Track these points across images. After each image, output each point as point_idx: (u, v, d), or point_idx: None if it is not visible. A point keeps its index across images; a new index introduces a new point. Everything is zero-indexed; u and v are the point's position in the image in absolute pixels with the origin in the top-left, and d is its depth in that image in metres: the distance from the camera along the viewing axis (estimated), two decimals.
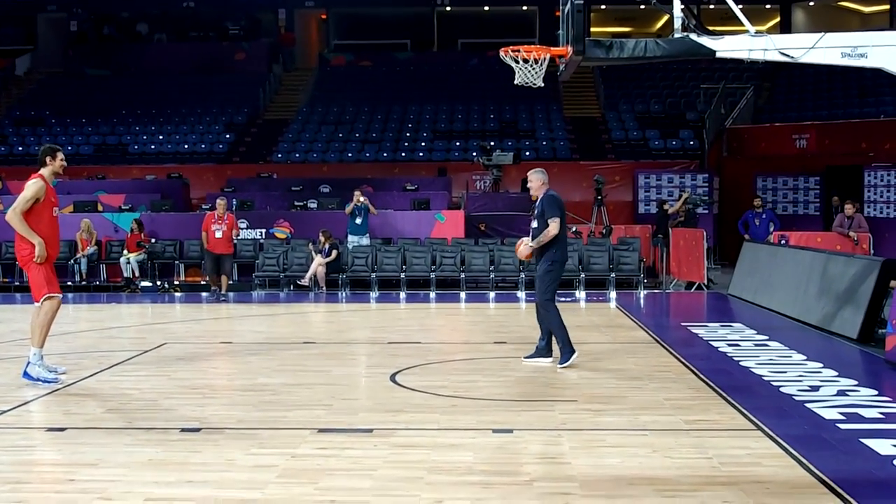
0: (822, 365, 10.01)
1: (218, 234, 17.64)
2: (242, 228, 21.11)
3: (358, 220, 20.20)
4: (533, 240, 10.19)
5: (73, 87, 36.59)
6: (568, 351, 10.04)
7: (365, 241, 20.24)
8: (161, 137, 31.51)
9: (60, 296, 9.38)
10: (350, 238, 20.19)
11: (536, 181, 10.34)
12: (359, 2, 38.60)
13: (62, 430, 7.48)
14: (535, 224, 10.24)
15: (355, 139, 30.95)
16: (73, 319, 15.15)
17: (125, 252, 20.50)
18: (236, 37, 38.95)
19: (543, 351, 10.28)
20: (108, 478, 6.12)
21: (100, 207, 22.66)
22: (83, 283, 20.43)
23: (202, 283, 17.59)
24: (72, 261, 20.39)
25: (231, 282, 18.54)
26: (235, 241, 18.79)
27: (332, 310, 17.00)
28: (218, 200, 18.32)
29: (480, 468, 6.31)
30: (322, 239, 19.37)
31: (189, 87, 35.26)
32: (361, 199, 20.17)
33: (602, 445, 6.85)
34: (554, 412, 7.94)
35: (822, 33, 11.42)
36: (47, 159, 9.48)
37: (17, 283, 19.75)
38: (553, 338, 10.22)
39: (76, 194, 23.64)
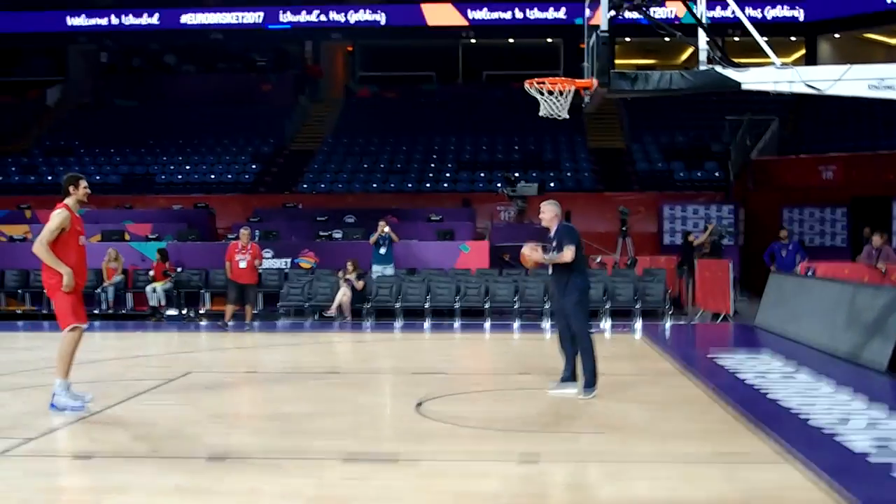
0: (850, 397, 9.91)
1: (242, 264, 17.59)
2: (267, 258, 21.20)
3: (382, 250, 20.24)
4: (551, 272, 10.31)
5: (102, 117, 37.02)
6: (594, 384, 10.02)
7: (389, 270, 20.27)
8: (188, 167, 31.78)
9: (85, 325, 9.38)
10: (374, 268, 20.23)
11: (549, 212, 10.44)
12: (384, 34, 38.90)
13: (89, 457, 7.50)
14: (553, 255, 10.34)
15: (380, 170, 31.10)
16: (100, 347, 15.22)
17: (152, 280, 20.61)
18: (263, 68, 39.36)
19: (568, 380, 10.22)
20: None
21: (127, 237, 22.84)
22: (110, 311, 20.56)
23: (238, 311, 17.63)
24: (98, 289, 20.53)
25: (255, 311, 18.58)
26: (260, 271, 18.84)
27: (356, 339, 17.01)
28: (242, 230, 18.33)
29: (507, 498, 6.27)
30: (350, 268, 19.41)
31: (216, 118, 35.59)
32: (386, 229, 20.23)
33: (630, 477, 6.79)
34: (581, 442, 7.90)
35: (849, 65, 11.40)
36: (71, 188, 9.52)
37: (44, 312, 19.88)
38: (577, 367, 10.19)
39: (104, 223, 23.84)
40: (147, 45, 40.67)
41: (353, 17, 38.19)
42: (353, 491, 6.44)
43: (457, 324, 18.95)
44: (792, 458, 7.23)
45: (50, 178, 31.21)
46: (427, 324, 18.92)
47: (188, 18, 38.48)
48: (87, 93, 39.59)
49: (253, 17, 38.35)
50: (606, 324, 18.45)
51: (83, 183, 9.63)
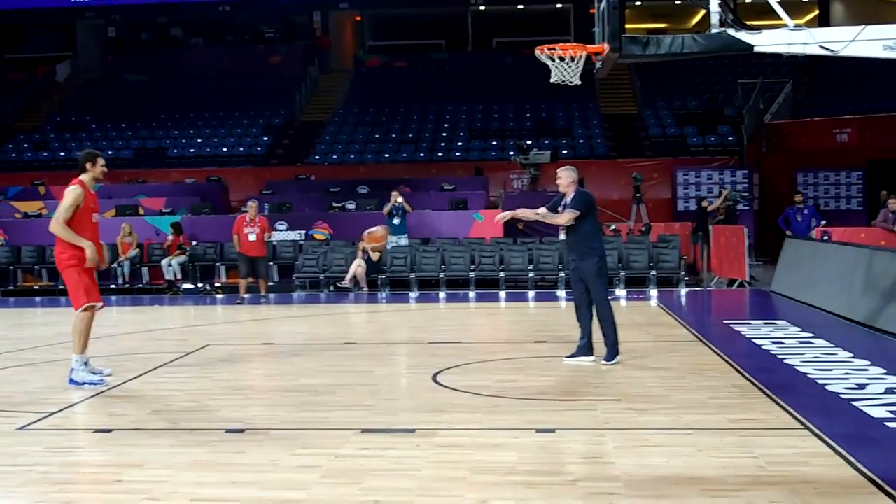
0: (868, 362, 9.87)
1: (252, 237, 17.60)
2: (281, 230, 21.26)
3: (396, 221, 20.24)
4: (567, 237, 10.39)
5: (112, 92, 36.99)
6: (616, 351, 10.09)
7: (403, 240, 20.28)
8: (199, 141, 31.77)
9: (99, 305, 9.41)
10: (389, 238, 20.22)
11: (566, 178, 10.37)
12: (393, 3, 38.69)
13: (108, 431, 7.55)
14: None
15: (392, 140, 31.02)
16: (117, 322, 15.31)
17: (167, 255, 20.67)
18: (272, 40, 39.19)
19: (584, 350, 10.23)
20: (154, 479, 6.17)
21: (141, 211, 22.91)
22: (126, 285, 20.66)
23: (251, 283, 17.67)
24: (114, 264, 20.60)
25: (271, 283, 18.61)
26: (274, 243, 18.83)
27: (372, 310, 17.05)
28: (249, 203, 18.28)
29: (524, 468, 6.29)
30: (366, 238, 19.41)
31: (226, 91, 35.52)
32: (399, 199, 20.21)
33: (646, 445, 6.80)
34: (597, 411, 7.91)
35: (863, 26, 11.27)
36: (87, 165, 9.51)
37: (61, 287, 19.93)
38: (593, 336, 10.21)
39: (117, 198, 23.90)
40: (155, 19, 40.55)
41: None
42: (371, 462, 6.46)
43: (472, 293, 18.96)
44: (810, 425, 7.23)
45: (62, 154, 31.26)
46: (442, 294, 18.93)
47: None
48: (96, 68, 39.55)
49: None
50: (621, 291, 18.43)
51: (101, 161, 9.61)
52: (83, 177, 9.48)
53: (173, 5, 39.00)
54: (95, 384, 9.27)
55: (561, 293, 18.50)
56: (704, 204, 21.09)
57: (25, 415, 8.10)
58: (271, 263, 20.72)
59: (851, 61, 28.49)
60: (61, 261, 9.32)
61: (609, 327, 10.14)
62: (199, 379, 9.82)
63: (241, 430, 7.45)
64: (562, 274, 19.05)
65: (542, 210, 10.39)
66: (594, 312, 10.21)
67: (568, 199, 10.30)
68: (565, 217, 10.11)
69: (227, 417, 7.96)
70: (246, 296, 17.54)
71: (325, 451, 6.78)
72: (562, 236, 10.53)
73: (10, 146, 32.13)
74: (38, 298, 20.20)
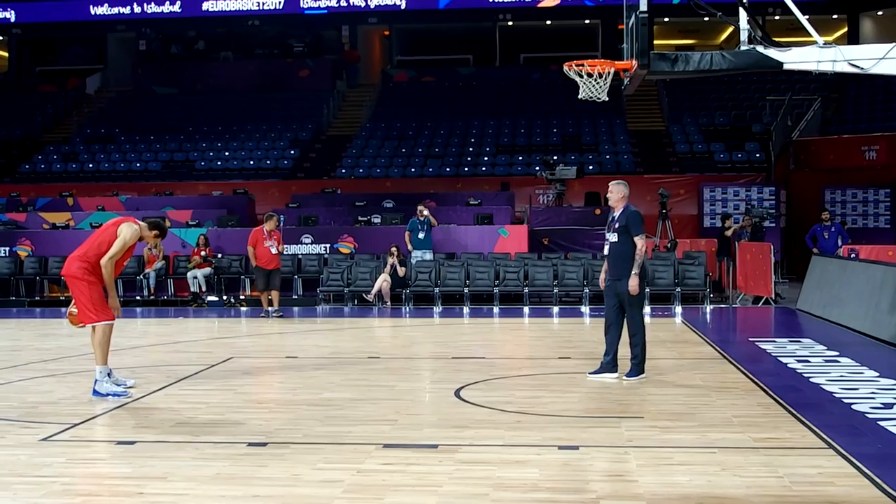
0: (895, 381, 9.77)
1: (273, 250, 17.56)
2: (306, 243, 21.35)
3: (421, 235, 20.24)
4: (610, 254, 10.23)
5: (141, 104, 37.34)
6: (641, 370, 10.08)
7: (428, 255, 20.27)
8: (227, 154, 31.97)
9: (112, 322, 9.45)
10: (414, 253, 20.24)
11: (618, 192, 10.25)
12: (421, 18, 38.82)
13: (131, 443, 7.58)
14: (613, 238, 10.18)
15: (418, 154, 31.09)
16: (142, 333, 15.39)
17: (191, 265, 20.75)
18: (300, 54, 39.42)
19: (609, 366, 10.19)
20: (177, 491, 6.19)
21: (167, 223, 23.01)
22: (151, 297, 20.77)
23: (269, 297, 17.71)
24: (140, 276, 20.72)
25: (290, 296, 18.56)
26: (300, 256, 18.83)
27: (396, 324, 17.05)
28: (268, 215, 18.26)
29: (546, 485, 6.25)
30: (395, 253, 19.42)
31: (254, 104, 35.76)
32: (425, 212, 20.24)
33: (670, 463, 6.75)
34: (620, 429, 7.86)
35: (893, 44, 11.22)
36: (152, 226, 9.76)
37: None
38: (618, 353, 10.16)
39: (144, 210, 24.04)
40: (185, 33, 40.90)
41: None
42: (393, 478, 6.45)
43: (496, 309, 18.93)
44: (835, 444, 7.16)
45: (91, 166, 31.55)
46: (466, 309, 18.92)
47: (209, 6, 38.74)
48: (126, 81, 39.93)
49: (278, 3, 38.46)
50: (646, 308, 18.33)
51: (157, 234, 9.90)
52: (143, 225, 9.58)
53: (203, 19, 39.33)
54: (119, 395, 9.31)
55: (585, 309, 18.43)
56: (728, 226, 20.88)
57: (49, 426, 8.14)
58: (296, 276, 20.78)
59: (881, 79, 28.30)
60: (74, 270, 9.34)
61: (641, 345, 10.10)
62: (223, 392, 9.84)
63: (264, 444, 7.46)
64: (586, 290, 19.00)
65: (637, 261, 10.02)
66: (623, 331, 10.16)
67: (616, 214, 10.21)
68: (642, 248, 10.00)
69: (249, 431, 7.97)
70: (270, 308, 17.57)
71: (348, 465, 6.77)
72: (605, 250, 10.38)
73: (40, 157, 32.45)
74: (63, 309, 20.30)
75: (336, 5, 38.30)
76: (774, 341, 13.25)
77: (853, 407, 8.58)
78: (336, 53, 39.64)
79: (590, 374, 10.26)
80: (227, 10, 38.69)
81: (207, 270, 20.66)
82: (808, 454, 6.97)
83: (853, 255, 18.02)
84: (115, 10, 39.10)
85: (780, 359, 11.59)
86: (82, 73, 40.18)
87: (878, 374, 10.26)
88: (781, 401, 8.86)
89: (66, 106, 37.77)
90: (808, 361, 11.31)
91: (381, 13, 38.68)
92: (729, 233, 20.50)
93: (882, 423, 7.87)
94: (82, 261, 9.33)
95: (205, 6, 38.82)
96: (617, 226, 10.14)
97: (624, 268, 10.02)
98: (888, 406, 8.57)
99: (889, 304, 13.29)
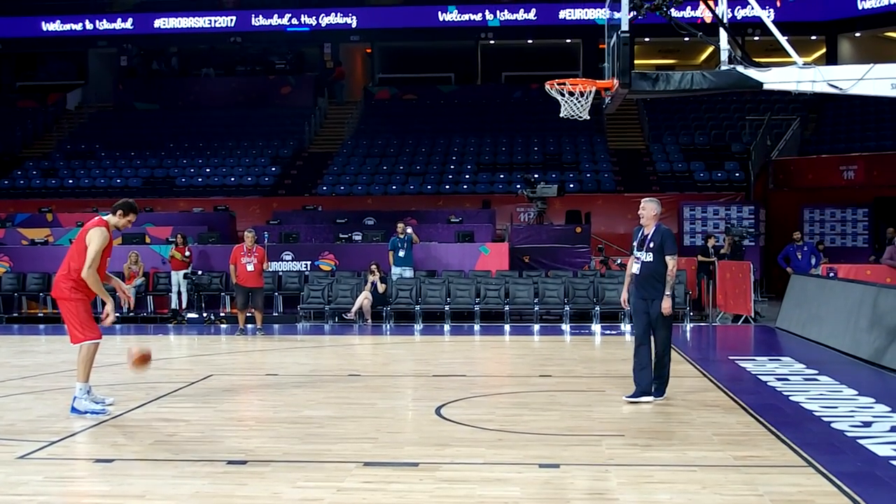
0: (874, 400, 9.82)
1: (249, 267, 17.26)
2: (287, 260, 21.26)
3: (401, 253, 20.22)
4: (641, 273, 9.90)
5: (122, 121, 37.26)
6: (664, 391, 9.95)
7: (409, 272, 20.25)
8: (208, 170, 31.91)
9: (98, 340, 9.35)
10: (394, 270, 20.22)
11: (651, 210, 9.92)
12: (403, 36, 38.93)
13: (110, 461, 7.52)
14: (647, 257, 9.84)
15: (400, 171, 31.12)
16: (121, 350, 15.25)
17: (170, 255, 20.81)
18: (282, 71, 39.45)
19: (648, 390, 9.88)
20: None
21: (147, 240, 22.93)
22: (130, 314, 20.63)
23: (248, 314, 17.59)
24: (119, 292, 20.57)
25: (270, 314, 18.48)
26: (280, 273, 18.75)
27: (376, 342, 17.01)
28: (246, 233, 17.99)
29: (527, 503, 6.24)
30: (375, 270, 19.38)
31: (236, 121, 35.72)
32: (409, 230, 20.23)
33: (650, 481, 6.76)
34: (601, 447, 7.86)
35: (871, 65, 11.33)
36: (120, 212, 9.48)
37: None
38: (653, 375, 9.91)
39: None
40: (167, 49, 40.85)
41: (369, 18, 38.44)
42: (374, 496, 6.43)
43: (476, 326, 18.92)
44: (815, 462, 7.18)
45: (71, 181, 31.42)
46: (447, 326, 18.90)
47: (161, 23, 39.15)
48: (107, 97, 39.84)
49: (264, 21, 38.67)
50: (627, 326, 18.38)
51: (133, 217, 9.59)
52: (109, 219, 9.46)
53: (185, 35, 39.38)
54: (97, 413, 9.24)
55: (566, 327, 18.45)
56: (710, 243, 20.90)
57: (26, 443, 8.07)
58: (277, 293, 20.71)
59: (859, 99, 28.58)
60: (62, 290, 9.28)
61: (667, 368, 9.95)
62: (202, 409, 9.79)
63: (244, 462, 7.42)
64: (567, 308, 19.03)
65: (669, 281, 9.77)
66: (653, 352, 9.91)
67: (648, 232, 9.91)
68: (673, 268, 9.78)
69: (229, 448, 7.92)
70: (248, 326, 17.46)
71: (328, 483, 6.75)
72: (634, 269, 10.14)
73: (19, 173, 32.29)
74: (41, 326, 20.19)
75: (315, 23, 38.48)
76: (754, 359, 13.29)
77: (832, 425, 8.62)
78: (318, 70, 39.68)
79: (627, 397, 9.92)
80: (179, 27, 39.00)
81: (188, 271, 20.65)
82: (787, 472, 6.99)
83: (832, 275, 18.13)
84: (67, 26, 39.27)
85: (760, 377, 11.62)
86: (63, 88, 40.06)
87: (857, 393, 10.31)
88: (761, 419, 8.88)
89: (46, 121, 37.63)
90: (788, 380, 11.35)
91: (364, 31, 38.84)
92: (704, 260, 20.48)
93: (861, 442, 7.90)
94: (67, 279, 9.25)
95: (157, 23, 39.06)
96: (652, 245, 9.82)
97: (658, 288, 9.77)
98: (867, 424, 8.61)
99: (868, 323, 13.37)
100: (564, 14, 37.63)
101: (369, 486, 6.68)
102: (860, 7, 35.05)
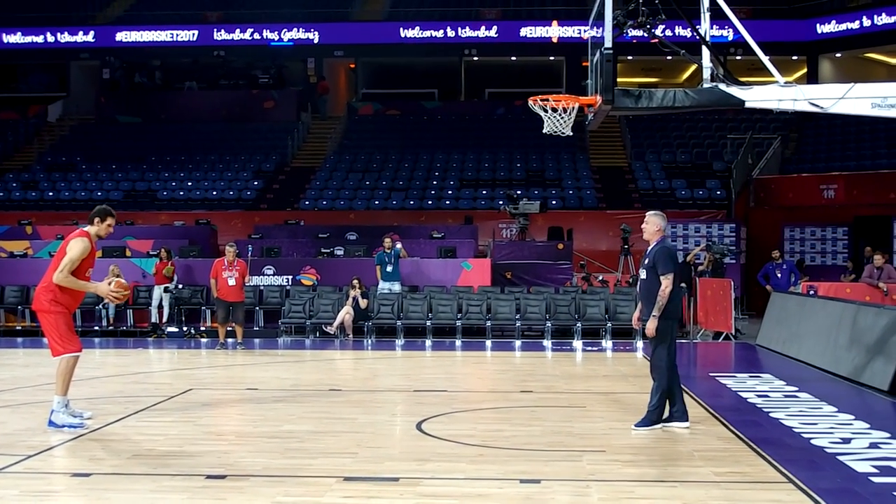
0: (853, 417, 9.86)
1: (231, 282, 17.14)
2: (269, 275, 21.20)
3: (389, 268, 20.17)
4: (639, 291, 9.61)
5: (104, 133, 37.10)
6: (654, 420, 9.29)
7: (396, 287, 20.19)
8: (190, 184, 31.80)
9: (79, 353, 9.29)
10: (382, 285, 20.15)
11: (653, 225, 9.46)
12: (387, 52, 39.00)
13: (87, 475, 7.46)
14: (643, 275, 9.47)
15: (382, 187, 31.11)
16: (100, 364, 15.19)
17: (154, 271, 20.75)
18: (266, 85, 39.41)
19: (679, 415, 9.40)
20: None
21: (128, 253, 22.81)
22: (110, 327, 20.52)
23: (229, 329, 17.49)
24: (99, 305, 20.48)
25: (251, 328, 18.38)
26: (262, 288, 18.67)
27: (358, 357, 16.96)
28: (227, 247, 17.90)
29: None
30: (356, 285, 19.33)
31: (218, 135, 35.65)
32: (398, 245, 20.24)
33: (631, 497, 6.75)
34: (582, 462, 7.86)
35: (852, 84, 11.40)
36: (97, 220, 9.47)
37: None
38: (664, 399, 9.37)
39: (105, 240, 23.73)
40: (149, 62, 40.75)
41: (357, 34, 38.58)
42: None
43: (458, 342, 18.90)
44: (794, 479, 7.20)
45: (51, 194, 31.25)
46: (428, 342, 18.87)
47: (122, 36, 39.29)
48: (89, 109, 39.66)
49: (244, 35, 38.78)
50: (608, 343, 18.40)
51: (111, 220, 9.58)
52: (90, 229, 9.44)
53: (168, 49, 39.33)
54: (75, 427, 9.17)
55: (547, 343, 18.45)
56: (690, 259, 21.01)
57: (2, 457, 7.99)
58: (258, 308, 20.63)
59: (839, 118, 28.83)
60: (41, 303, 9.21)
61: (658, 396, 9.31)
62: (181, 423, 9.72)
63: (223, 476, 7.37)
64: (548, 324, 19.03)
65: (658, 302, 9.11)
66: (677, 372, 9.50)
67: (649, 249, 9.51)
68: (665, 289, 9.09)
69: (208, 463, 7.87)
70: (230, 340, 17.38)
71: (308, 498, 6.71)
72: (639, 286, 9.81)
73: None
74: (19, 339, 20.01)
75: (299, 38, 38.56)
76: (735, 376, 13.32)
77: (812, 441, 8.64)
78: (301, 85, 39.68)
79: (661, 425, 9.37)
80: (141, 41, 39.06)
81: (170, 286, 20.54)
82: (768, 488, 7.00)
83: (812, 293, 18.22)
84: (29, 38, 39.26)
85: (741, 394, 11.65)
86: (44, 100, 39.87)
87: (836, 410, 10.35)
88: (742, 435, 8.90)
89: (27, 133, 37.44)
90: (768, 396, 11.38)
91: (347, 46, 38.91)
92: (689, 257, 20.60)
93: (841, 458, 7.93)
94: (47, 291, 9.20)
95: (118, 37, 39.09)
96: (646, 262, 9.42)
97: (650, 308, 9.28)
98: (846, 441, 8.64)
99: (847, 341, 13.43)
100: (546, 32, 37.76)
101: (349, 501, 6.65)
102: (819, 31, 35.62)
